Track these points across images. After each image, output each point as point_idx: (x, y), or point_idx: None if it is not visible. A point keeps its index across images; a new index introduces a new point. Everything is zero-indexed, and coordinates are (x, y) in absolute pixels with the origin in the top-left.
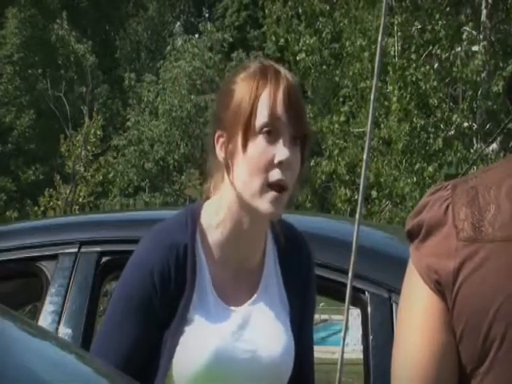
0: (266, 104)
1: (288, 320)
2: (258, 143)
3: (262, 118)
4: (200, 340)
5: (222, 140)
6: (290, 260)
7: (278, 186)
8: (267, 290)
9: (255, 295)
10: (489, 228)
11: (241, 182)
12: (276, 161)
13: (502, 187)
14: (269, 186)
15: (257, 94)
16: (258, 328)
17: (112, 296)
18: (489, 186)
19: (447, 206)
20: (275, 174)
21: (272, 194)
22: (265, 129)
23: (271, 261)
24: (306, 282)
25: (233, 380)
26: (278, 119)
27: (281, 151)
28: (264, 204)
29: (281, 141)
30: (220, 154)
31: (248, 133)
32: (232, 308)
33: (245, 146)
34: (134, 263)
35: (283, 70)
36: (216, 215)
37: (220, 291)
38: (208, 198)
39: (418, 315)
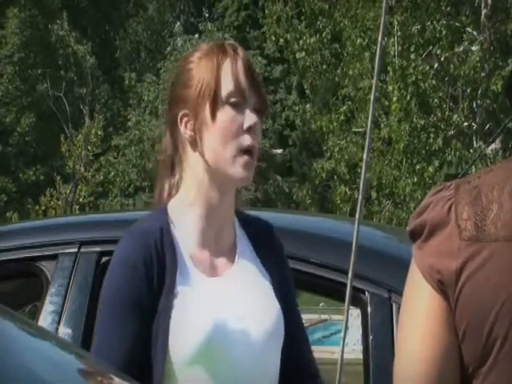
0: (229, 75)
1: (271, 287)
2: (227, 112)
3: (227, 88)
4: (191, 319)
5: (186, 119)
6: (261, 241)
7: (249, 151)
8: (244, 260)
9: (234, 264)
10: (492, 227)
11: (212, 153)
12: (245, 126)
13: (504, 187)
14: (240, 151)
15: (218, 67)
16: (245, 294)
17: (101, 301)
18: (491, 185)
19: (450, 206)
20: (246, 140)
21: (244, 158)
22: (232, 99)
23: (243, 241)
24: (280, 260)
25: (228, 354)
26: (243, 89)
27: (249, 117)
28: (237, 169)
29: (247, 109)
30: (186, 132)
31: (215, 104)
32: (214, 278)
33: (213, 116)
34: (116, 263)
35: (237, 46)
36: (187, 196)
37: (200, 266)
38: (176, 183)
39: (420, 315)
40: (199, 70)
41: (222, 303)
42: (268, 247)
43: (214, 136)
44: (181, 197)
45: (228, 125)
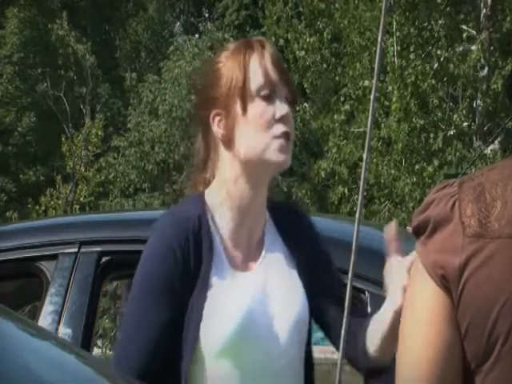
0: (258, 69)
1: (295, 272)
2: (257, 105)
3: (256, 81)
4: (222, 312)
5: (218, 118)
6: (289, 226)
7: (283, 137)
8: (271, 250)
9: (261, 257)
10: (495, 224)
11: (246, 145)
12: (277, 116)
13: (508, 184)
14: (275, 138)
15: (245, 62)
16: (272, 287)
17: (134, 279)
18: (495, 182)
19: (454, 203)
20: (279, 128)
21: (279, 141)
22: (262, 92)
23: (272, 231)
24: (307, 239)
25: (256, 346)
26: (272, 81)
27: (280, 107)
28: (273, 153)
29: (277, 99)
30: (219, 131)
31: (245, 98)
32: (245, 273)
33: (244, 110)
34: (155, 239)
35: (264, 40)
36: (218, 194)
37: (233, 261)
38: (211, 176)
39: (423, 311)
40: (227, 68)
41: (251, 298)
42: (296, 231)
43: (248, 129)
44: (216, 187)
45: (260, 117)
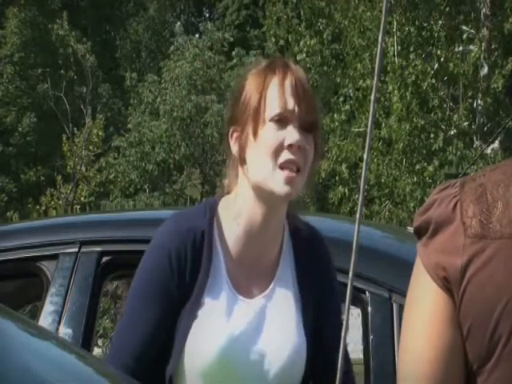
0: (275, 93)
1: (300, 316)
2: (268, 129)
3: (271, 107)
4: (211, 332)
5: (236, 134)
6: (306, 256)
7: (289, 167)
8: (281, 284)
9: (269, 289)
10: (497, 225)
11: (254, 169)
12: (286, 143)
13: (510, 185)
14: (280, 167)
15: (264, 85)
16: (269, 324)
17: (133, 280)
18: (497, 183)
19: (455, 204)
20: (285, 155)
21: (284, 173)
22: (274, 117)
23: (287, 256)
24: (323, 277)
25: (240, 378)
26: (287, 107)
27: (290, 134)
28: (277, 184)
29: (290, 126)
30: (234, 147)
31: (257, 121)
32: (245, 299)
33: (255, 133)
34: (153, 247)
35: (291, 63)
36: (232, 209)
37: (234, 282)
38: (228, 192)
39: (425, 312)
40: (248, 87)
41: (245, 328)
42: (312, 259)
43: (256, 152)
44: (229, 204)
45: (269, 141)
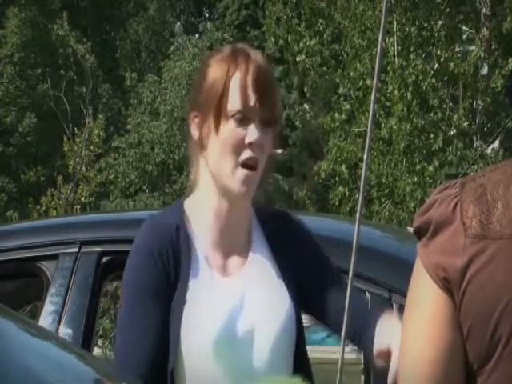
0: (237, 89)
1: (282, 281)
2: (230, 125)
3: (233, 103)
4: (200, 317)
5: (196, 120)
6: (277, 232)
7: (248, 165)
8: (257, 258)
9: (246, 264)
10: (497, 225)
11: (214, 163)
12: (246, 141)
13: (510, 185)
14: (240, 165)
15: (227, 78)
16: (253, 295)
17: (122, 289)
18: (497, 183)
19: (455, 204)
20: (245, 154)
21: (243, 171)
22: (236, 115)
23: (258, 238)
24: (298, 245)
25: (235, 354)
26: (249, 104)
27: (251, 132)
28: (236, 183)
29: (252, 123)
30: (195, 133)
31: (220, 116)
32: (226, 278)
33: (217, 128)
34: (134, 250)
35: (253, 54)
36: (198, 200)
37: (214, 265)
38: (194, 185)
39: (425, 313)
40: (211, 75)
41: (233, 303)
42: (284, 236)
43: (217, 147)
44: (196, 195)
45: (230, 139)
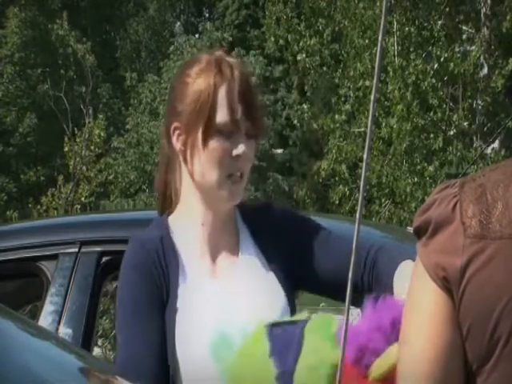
0: (224, 101)
1: (274, 277)
2: (218, 140)
3: (221, 117)
4: (192, 322)
5: (178, 132)
6: (262, 227)
7: (235, 177)
8: (245, 258)
9: (235, 265)
10: (496, 225)
11: (200, 175)
12: (234, 154)
13: (509, 185)
14: (227, 177)
15: (215, 90)
16: (246, 297)
17: (116, 307)
18: (497, 183)
19: (455, 204)
20: (233, 166)
21: (230, 182)
22: (224, 128)
23: (245, 237)
24: (289, 234)
25: (230, 350)
26: (236, 120)
27: (238, 146)
28: (224, 193)
29: (238, 136)
30: (176, 144)
31: (208, 131)
32: (216, 281)
33: (204, 141)
34: (125, 267)
35: (235, 63)
36: (183, 213)
37: (203, 269)
38: (174, 194)
39: (424, 312)
40: (195, 88)
41: (224, 305)
42: (269, 228)
43: (203, 160)
44: (180, 209)
45: (216, 152)
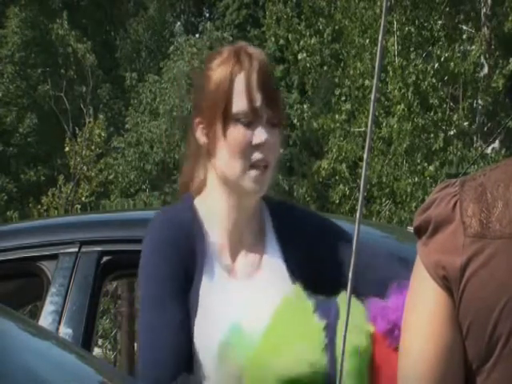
0: (242, 90)
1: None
2: (237, 129)
3: (239, 105)
4: (210, 319)
5: (201, 126)
6: (287, 227)
7: (258, 166)
8: (270, 261)
9: (259, 267)
10: (496, 224)
11: (223, 165)
12: (254, 143)
13: (509, 184)
14: (250, 166)
15: (231, 80)
16: (266, 300)
17: (139, 283)
18: (497, 182)
19: (455, 203)
20: (255, 155)
21: (254, 172)
22: (243, 118)
23: (270, 234)
24: (314, 239)
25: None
26: (255, 107)
27: (258, 134)
28: (248, 183)
29: (258, 124)
30: (201, 138)
31: (226, 120)
32: (239, 280)
33: (224, 131)
34: (150, 245)
35: (255, 51)
36: (207, 198)
37: (227, 265)
38: (200, 187)
39: (425, 312)
40: (215, 79)
41: (242, 307)
42: (295, 231)
43: (225, 151)
44: (205, 195)
45: (238, 142)
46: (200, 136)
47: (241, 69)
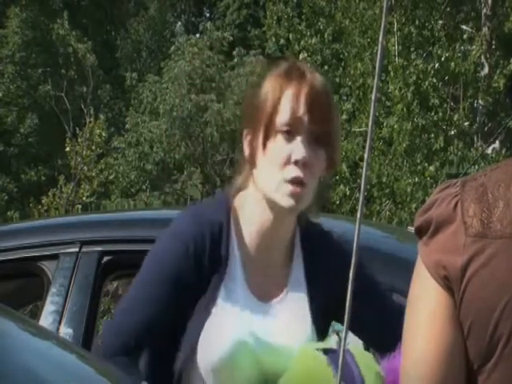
0: (288, 103)
1: (312, 327)
2: (277, 141)
3: (283, 117)
4: (222, 332)
5: (249, 137)
6: (316, 257)
7: (294, 182)
8: (295, 289)
9: (283, 293)
10: (497, 224)
11: (261, 178)
12: (292, 159)
13: (511, 184)
14: (286, 182)
15: (280, 94)
16: (282, 328)
17: (144, 260)
18: (498, 182)
19: (456, 203)
20: (291, 172)
21: (289, 187)
22: (284, 128)
23: (299, 260)
24: (338, 274)
25: (247, 379)
26: (298, 119)
27: (297, 150)
28: (282, 198)
29: (299, 140)
30: (246, 150)
31: (269, 130)
32: (259, 302)
33: (264, 143)
34: (171, 233)
35: (309, 71)
36: (245, 209)
37: (249, 282)
38: (240, 190)
39: (426, 312)
40: (264, 91)
41: (256, 330)
42: (323, 260)
43: (263, 162)
44: (241, 203)
45: (275, 155)
46: (246, 148)
47: (290, 83)
